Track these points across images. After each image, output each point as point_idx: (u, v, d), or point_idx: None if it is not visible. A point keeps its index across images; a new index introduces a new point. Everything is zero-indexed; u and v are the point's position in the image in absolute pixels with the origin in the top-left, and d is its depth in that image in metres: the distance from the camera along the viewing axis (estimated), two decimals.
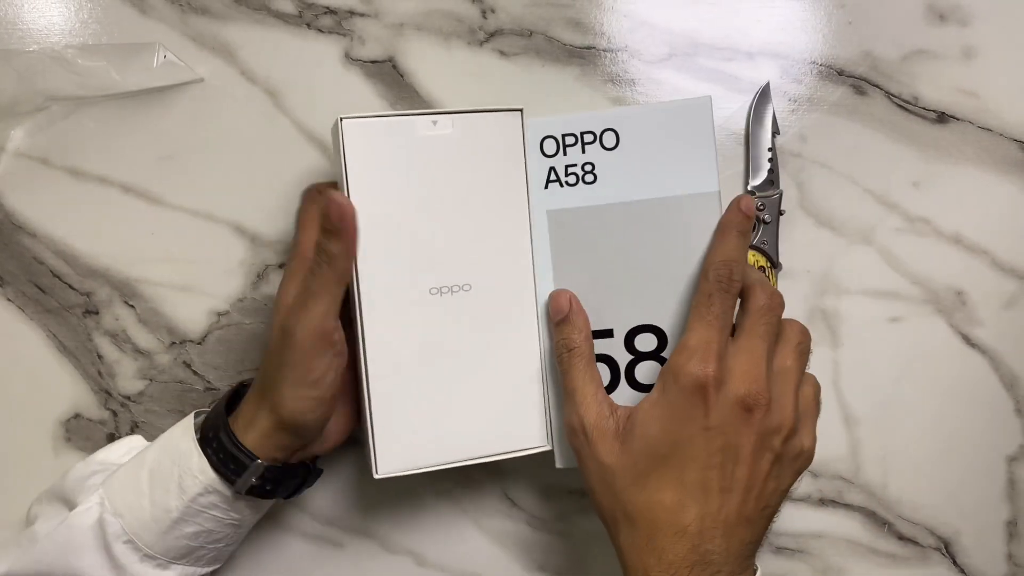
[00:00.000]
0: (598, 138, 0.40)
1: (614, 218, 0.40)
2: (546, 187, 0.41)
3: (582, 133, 0.40)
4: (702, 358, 0.36)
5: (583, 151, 0.40)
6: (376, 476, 0.39)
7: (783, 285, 0.46)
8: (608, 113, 0.41)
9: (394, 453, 0.39)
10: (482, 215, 0.40)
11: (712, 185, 0.40)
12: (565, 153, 0.41)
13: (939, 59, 0.47)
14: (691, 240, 0.40)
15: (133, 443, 0.45)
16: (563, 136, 0.41)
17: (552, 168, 0.41)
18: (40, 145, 0.48)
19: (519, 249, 0.40)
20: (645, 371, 0.41)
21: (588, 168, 0.40)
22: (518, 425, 0.41)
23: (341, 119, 0.38)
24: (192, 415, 0.41)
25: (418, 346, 0.39)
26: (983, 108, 0.47)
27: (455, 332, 0.40)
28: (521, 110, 0.40)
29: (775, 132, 0.47)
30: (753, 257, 0.45)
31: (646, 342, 0.41)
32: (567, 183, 0.41)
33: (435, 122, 0.39)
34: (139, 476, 0.39)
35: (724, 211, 0.40)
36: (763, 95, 0.47)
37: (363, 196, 0.38)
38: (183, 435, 0.40)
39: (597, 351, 0.40)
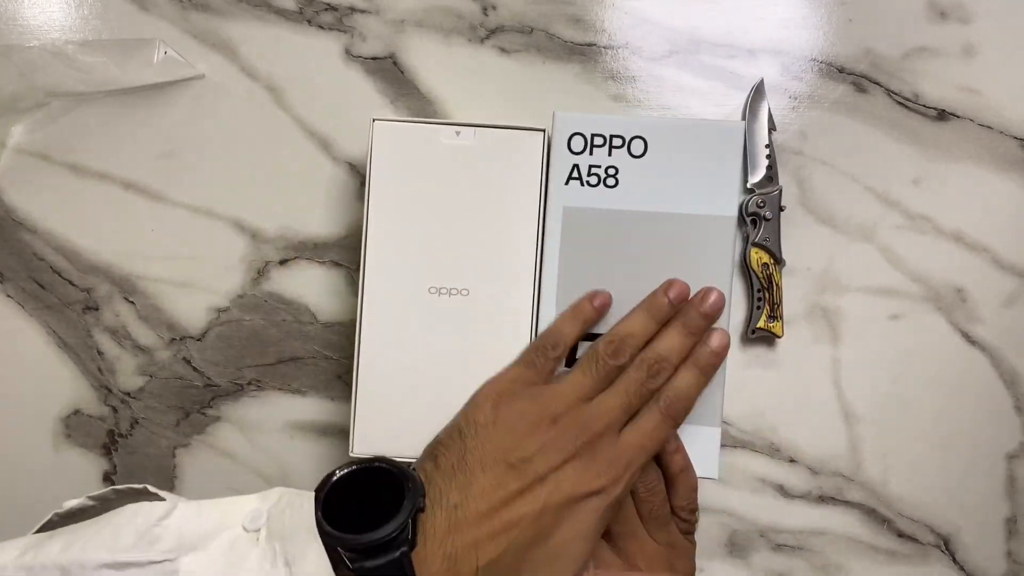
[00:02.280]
0: (626, 144, 0.40)
1: (628, 225, 0.40)
2: (567, 183, 0.41)
3: (611, 136, 0.40)
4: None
5: (609, 154, 0.41)
6: (350, 455, 0.41)
7: (784, 282, 0.46)
8: (640, 120, 0.41)
9: (371, 437, 0.41)
10: (491, 226, 0.41)
11: (731, 209, 0.40)
12: (591, 153, 0.41)
13: (940, 56, 0.47)
14: (699, 260, 0.40)
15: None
16: (592, 136, 0.41)
17: (576, 165, 0.41)
18: (40, 141, 0.48)
19: (522, 266, 0.41)
20: None
21: (611, 172, 0.41)
22: None
23: (373, 120, 0.40)
24: None
25: (410, 341, 0.41)
26: (984, 106, 0.47)
27: (447, 333, 0.41)
28: (544, 130, 0.41)
29: (771, 128, 0.46)
30: (757, 254, 0.45)
31: None
32: (588, 183, 0.41)
33: (459, 132, 0.41)
34: None
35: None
36: (757, 92, 0.47)
37: (382, 192, 0.41)
38: None
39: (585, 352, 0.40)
